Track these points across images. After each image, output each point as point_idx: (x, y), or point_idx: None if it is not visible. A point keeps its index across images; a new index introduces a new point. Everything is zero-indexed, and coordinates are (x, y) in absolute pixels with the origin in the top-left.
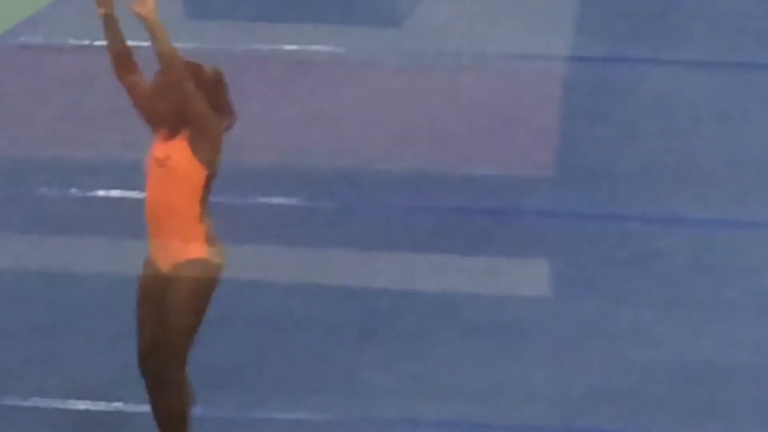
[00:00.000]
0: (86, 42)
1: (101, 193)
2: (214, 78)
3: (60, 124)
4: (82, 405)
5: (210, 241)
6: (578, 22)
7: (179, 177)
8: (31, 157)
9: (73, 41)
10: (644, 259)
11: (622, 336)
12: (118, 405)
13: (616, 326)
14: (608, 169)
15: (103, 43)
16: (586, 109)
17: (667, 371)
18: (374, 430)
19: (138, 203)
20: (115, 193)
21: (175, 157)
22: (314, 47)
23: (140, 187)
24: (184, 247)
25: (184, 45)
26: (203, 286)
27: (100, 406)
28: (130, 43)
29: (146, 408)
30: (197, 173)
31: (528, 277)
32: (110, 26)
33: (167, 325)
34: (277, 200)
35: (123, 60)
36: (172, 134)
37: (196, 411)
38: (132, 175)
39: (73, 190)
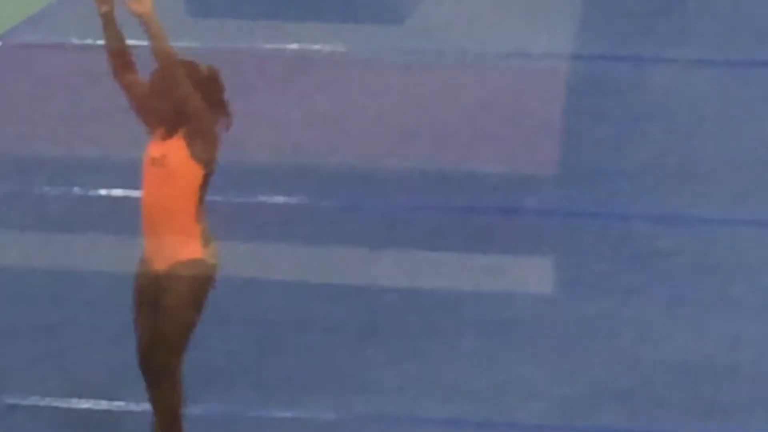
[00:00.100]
0: (88, 41)
1: (103, 191)
2: (211, 77)
3: (62, 122)
4: (84, 404)
5: (206, 241)
6: (580, 20)
7: (176, 176)
8: (33, 155)
9: (75, 40)
10: (647, 258)
11: (625, 334)
12: (119, 404)
13: (618, 324)
14: (610, 168)
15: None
16: (588, 108)
17: (669, 369)
18: (377, 428)
19: (140, 202)
20: (117, 191)
21: (172, 156)
22: (316, 46)
23: (142, 186)
24: (180, 247)
25: (186, 44)
26: (199, 286)
27: (102, 405)
28: (129, 42)
29: (148, 407)
30: (194, 172)
31: (530, 276)
32: (109, 25)
33: (163, 325)
34: (279, 199)
35: (121, 59)
36: (168, 134)
37: (198, 410)
38: (134, 173)
39: (76, 189)
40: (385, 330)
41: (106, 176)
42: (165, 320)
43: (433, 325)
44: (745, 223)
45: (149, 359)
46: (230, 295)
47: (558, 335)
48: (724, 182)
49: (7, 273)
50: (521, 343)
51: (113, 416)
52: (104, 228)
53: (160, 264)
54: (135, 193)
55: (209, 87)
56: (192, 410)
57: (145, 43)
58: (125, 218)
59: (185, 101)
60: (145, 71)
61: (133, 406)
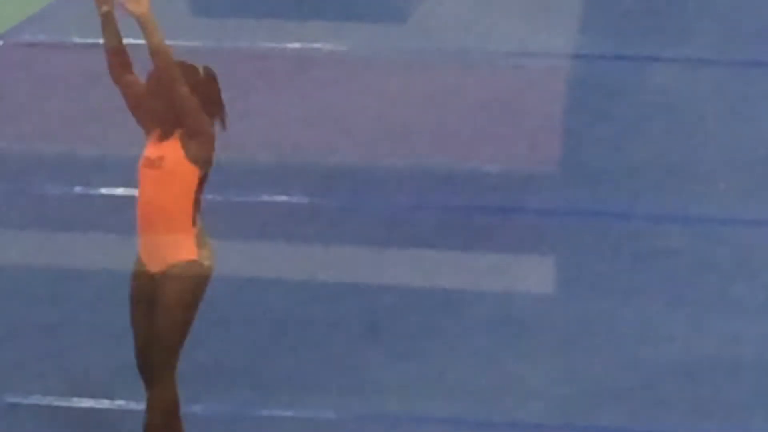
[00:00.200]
0: (89, 40)
1: (104, 190)
2: (207, 78)
3: (63, 121)
4: (85, 403)
5: (201, 242)
6: (581, 20)
7: (172, 178)
8: (35, 154)
9: (76, 39)
10: (649, 257)
11: (627, 333)
12: (120, 403)
13: (620, 324)
14: (611, 167)
15: None
16: (589, 107)
17: (671, 369)
18: (378, 427)
19: None
20: (119, 190)
21: (168, 157)
22: (318, 45)
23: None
24: (175, 249)
25: (188, 43)
26: (194, 288)
27: (103, 404)
28: (129, 41)
29: None
30: (190, 174)
31: (532, 275)
32: (108, 25)
33: (158, 326)
34: (280, 198)
35: (119, 60)
36: (164, 135)
37: (199, 409)
38: (135, 172)
39: (77, 188)
40: (385, 329)
41: (107, 175)
42: (160, 321)
43: (433, 324)
44: (745, 222)
45: (145, 359)
46: (231, 294)
47: (559, 334)
48: (726, 181)
49: (8, 272)
50: (522, 342)
51: (114, 415)
52: (105, 227)
53: (156, 265)
54: (136, 192)
55: (206, 88)
56: (192, 409)
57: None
58: (126, 217)
59: (182, 102)
60: (144, 70)
61: (134, 405)
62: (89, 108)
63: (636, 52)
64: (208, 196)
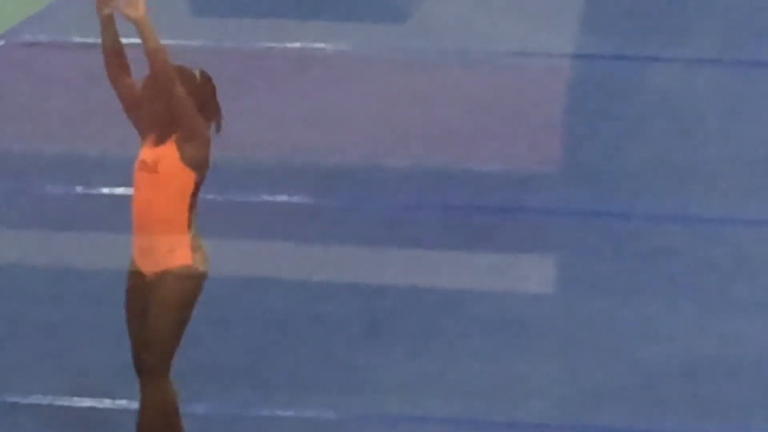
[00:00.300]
0: (90, 39)
1: (105, 190)
2: (204, 82)
3: (64, 121)
4: (86, 402)
5: (196, 247)
6: (582, 20)
7: (168, 182)
8: (37, 154)
9: (77, 39)
10: (650, 257)
11: (627, 333)
12: (121, 402)
13: (620, 323)
14: (613, 167)
15: None
16: (590, 107)
17: (673, 368)
18: (378, 427)
19: None
20: (119, 190)
21: (164, 162)
22: (319, 44)
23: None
24: (169, 254)
25: (189, 42)
26: (187, 293)
27: (104, 403)
28: (129, 41)
29: None
30: (186, 178)
31: (533, 275)
32: (108, 27)
33: (151, 330)
34: (281, 198)
35: (117, 62)
36: (161, 139)
37: (200, 408)
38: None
39: (78, 188)
40: (386, 329)
41: (107, 175)
42: (154, 325)
43: (434, 324)
44: (746, 222)
45: (140, 361)
46: (231, 294)
47: (559, 334)
48: (727, 181)
49: (9, 271)
50: (523, 341)
51: (115, 415)
52: (106, 226)
53: (150, 269)
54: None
55: (202, 92)
56: (193, 409)
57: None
58: (127, 217)
59: (178, 105)
60: (144, 71)
61: (135, 405)
62: (90, 108)
63: (637, 52)
64: (209, 196)
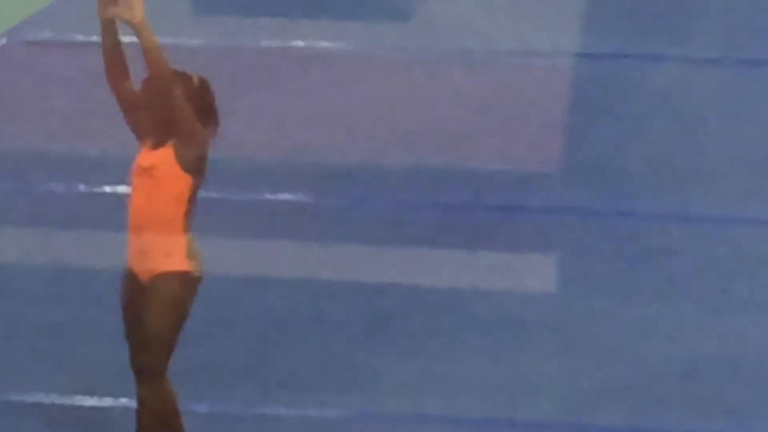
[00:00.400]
0: (93, 38)
1: (108, 188)
2: (201, 87)
3: (66, 119)
4: (88, 401)
5: (191, 252)
6: (584, 19)
7: (164, 187)
8: (38, 152)
9: (80, 37)
10: (652, 256)
11: (629, 332)
12: (123, 401)
13: (622, 322)
14: (615, 166)
15: None
16: (593, 106)
17: (673, 368)
18: (381, 426)
19: None
20: (121, 188)
21: (161, 166)
22: (322, 43)
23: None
24: (165, 258)
25: (191, 41)
26: (182, 298)
27: (106, 402)
28: (130, 39)
29: None
30: (183, 183)
31: (534, 273)
32: (109, 31)
33: (146, 334)
34: (282, 196)
35: (116, 66)
36: (158, 143)
37: (202, 407)
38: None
39: (81, 186)
40: (387, 328)
41: (110, 173)
42: (150, 328)
43: (435, 323)
44: (748, 221)
45: (136, 363)
46: (233, 292)
47: (560, 333)
48: (729, 180)
49: (11, 270)
50: (526, 340)
51: (117, 414)
52: (108, 225)
53: (145, 273)
54: None
55: (200, 98)
56: (194, 408)
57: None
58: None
59: (175, 111)
60: (142, 71)
61: (136, 404)
62: (92, 106)
63: (638, 52)
64: (210, 195)
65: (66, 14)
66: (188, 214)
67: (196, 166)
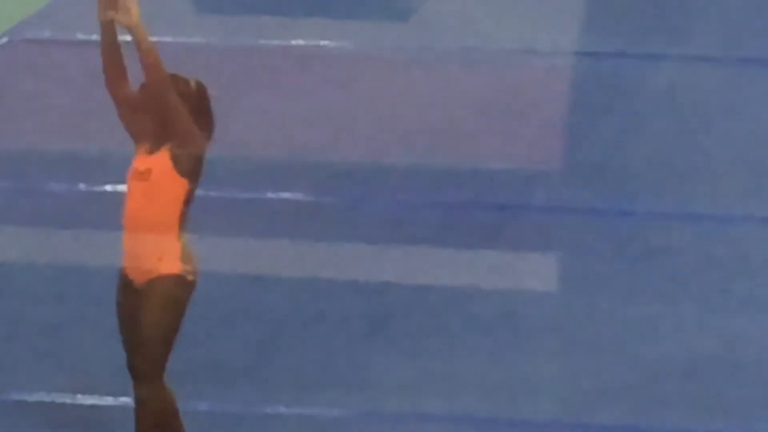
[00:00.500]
0: (94, 37)
1: (108, 187)
2: (198, 92)
3: (67, 118)
4: (89, 400)
5: (186, 256)
6: (585, 18)
7: (160, 191)
8: (39, 151)
9: (81, 36)
10: (653, 255)
11: (630, 331)
12: (125, 400)
13: (623, 322)
14: (616, 165)
15: None
16: (594, 105)
17: (676, 367)
18: (382, 425)
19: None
20: (122, 187)
21: (156, 170)
22: (322, 42)
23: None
24: (159, 262)
25: (192, 39)
26: (176, 301)
27: (107, 401)
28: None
29: None
30: (178, 187)
31: (535, 273)
32: (109, 33)
33: (141, 337)
34: (284, 195)
35: (114, 69)
36: (154, 147)
37: (203, 406)
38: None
39: (81, 185)
40: (388, 327)
41: (110, 172)
42: (145, 332)
43: (436, 322)
44: (749, 220)
45: (133, 367)
46: (234, 291)
47: (561, 332)
48: (730, 179)
49: (12, 269)
50: (527, 339)
51: (118, 412)
52: (109, 224)
53: (140, 277)
54: None
55: (196, 102)
56: (195, 407)
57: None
58: None
59: (171, 115)
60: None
61: None
62: (93, 105)
63: (639, 51)
64: (211, 193)
65: (67, 13)
66: (183, 217)
67: (192, 170)
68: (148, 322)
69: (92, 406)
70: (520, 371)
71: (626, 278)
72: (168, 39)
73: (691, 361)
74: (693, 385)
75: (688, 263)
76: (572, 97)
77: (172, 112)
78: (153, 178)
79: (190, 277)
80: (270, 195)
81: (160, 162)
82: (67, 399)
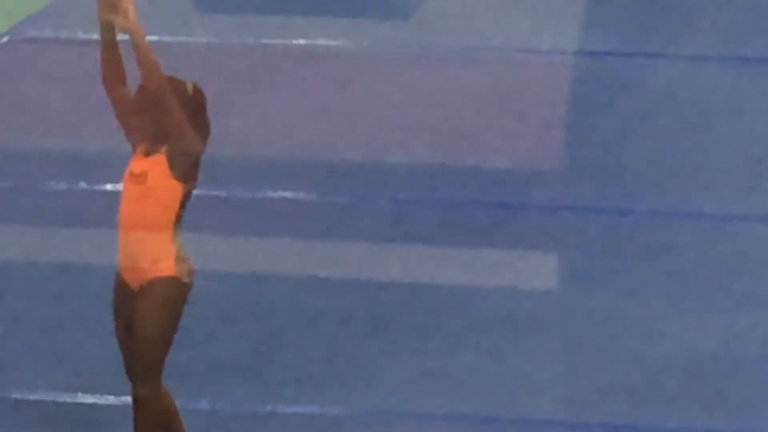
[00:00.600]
0: (95, 36)
1: (109, 186)
2: (195, 95)
3: (68, 117)
4: (89, 398)
5: (180, 259)
6: (586, 16)
7: (155, 194)
8: (40, 150)
9: (82, 35)
10: (653, 254)
11: (631, 330)
12: (125, 399)
13: (624, 320)
14: (617, 163)
15: None
16: (594, 103)
17: (676, 365)
18: (382, 423)
19: None
20: (122, 187)
21: (152, 173)
22: (323, 41)
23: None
24: (154, 265)
25: (193, 39)
26: (172, 304)
27: (108, 399)
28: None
29: None
30: (174, 190)
31: (536, 271)
32: (108, 34)
33: (137, 340)
34: (285, 194)
35: (113, 71)
36: (151, 150)
37: (204, 405)
38: None
39: (82, 184)
40: (390, 325)
41: (111, 171)
42: (141, 335)
43: (437, 320)
44: (750, 218)
45: (130, 370)
46: (235, 290)
47: (562, 331)
48: (731, 177)
49: (13, 268)
50: (527, 338)
51: (119, 411)
52: (110, 223)
53: (135, 280)
54: None
55: (193, 105)
56: (196, 405)
57: (151, 38)
58: None
59: (168, 117)
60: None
61: None
62: (94, 104)
63: (640, 49)
64: (212, 192)
65: (68, 12)
66: (178, 220)
67: (188, 173)
68: (145, 324)
69: (92, 405)
70: (521, 369)
71: (626, 277)
72: (168, 38)
73: (691, 360)
74: (693, 384)
75: (689, 262)
76: (572, 95)
77: (169, 114)
78: (149, 182)
79: (185, 279)
80: (270, 193)
81: (156, 165)
82: (68, 398)
